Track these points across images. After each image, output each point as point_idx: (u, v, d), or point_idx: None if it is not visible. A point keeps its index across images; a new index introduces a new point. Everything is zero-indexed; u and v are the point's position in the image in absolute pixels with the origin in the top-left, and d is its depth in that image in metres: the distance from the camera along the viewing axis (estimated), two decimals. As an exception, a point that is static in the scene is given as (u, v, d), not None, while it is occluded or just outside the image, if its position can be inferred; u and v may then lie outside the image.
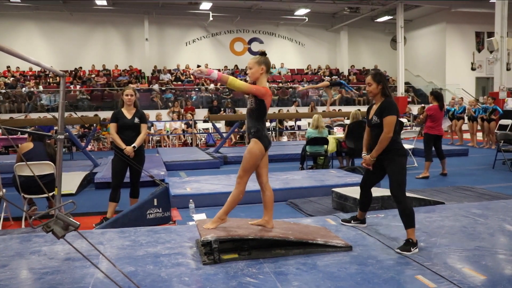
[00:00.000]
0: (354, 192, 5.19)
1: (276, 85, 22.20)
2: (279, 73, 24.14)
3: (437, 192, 6.53)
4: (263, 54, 3.86)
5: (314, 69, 25.04)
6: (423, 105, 19.19)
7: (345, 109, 19.35)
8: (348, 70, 25.29)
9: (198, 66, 22.66)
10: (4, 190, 5.84)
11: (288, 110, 19.04)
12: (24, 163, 5.37)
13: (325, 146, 9.09)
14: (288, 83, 22.77)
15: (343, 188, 5.84)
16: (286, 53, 25.22)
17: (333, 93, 21.51)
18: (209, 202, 6.08)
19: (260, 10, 23.36)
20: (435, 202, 5.49)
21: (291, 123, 18.11)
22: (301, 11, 22.26)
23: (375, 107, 4.15)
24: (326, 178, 7.36)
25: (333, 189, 5.91)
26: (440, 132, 8.40)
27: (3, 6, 20.69)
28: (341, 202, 5.57)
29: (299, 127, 17.93)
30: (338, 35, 25.81)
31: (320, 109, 18.97)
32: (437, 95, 8.52)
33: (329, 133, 9.91)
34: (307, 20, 23.60)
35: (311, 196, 6.41)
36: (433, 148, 8.43)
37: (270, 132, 17.57)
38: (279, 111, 18.82)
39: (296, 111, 18.98)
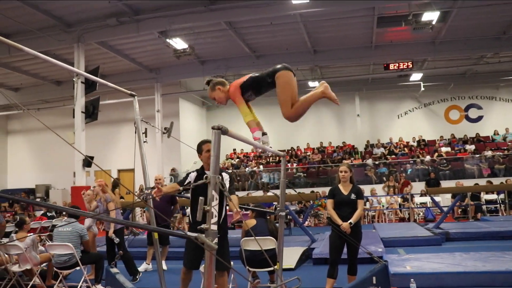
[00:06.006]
0: None
1: (501, 153, 20.14)
2: (504, 139, 21.88)
3: None
4: (207, 83, 3.99)
5: (549, 133, 22.11)
6: None
7: None
8: None
9: (413, 139, 22.19)
10: (232, 262, 6.33)
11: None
12: (250, 238, 5.79)
13: None
14: (517, 150, 20.46)
15: None
16: (510, 117, 22.93)
17: None
18: (432, 283, 5.66)
19: (476, 74, 22.04)
20: None
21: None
22: (526, 70, 20.28)
23: None
24: None
25: None
26: None
27: (231, 97, 23.70)
28: None
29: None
30: None
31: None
32: None
33: None
34: (534, 79, 21.33)
35: None
36: None
37: (498, 205, 15.87)
38: (506, 181, 16.90)
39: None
